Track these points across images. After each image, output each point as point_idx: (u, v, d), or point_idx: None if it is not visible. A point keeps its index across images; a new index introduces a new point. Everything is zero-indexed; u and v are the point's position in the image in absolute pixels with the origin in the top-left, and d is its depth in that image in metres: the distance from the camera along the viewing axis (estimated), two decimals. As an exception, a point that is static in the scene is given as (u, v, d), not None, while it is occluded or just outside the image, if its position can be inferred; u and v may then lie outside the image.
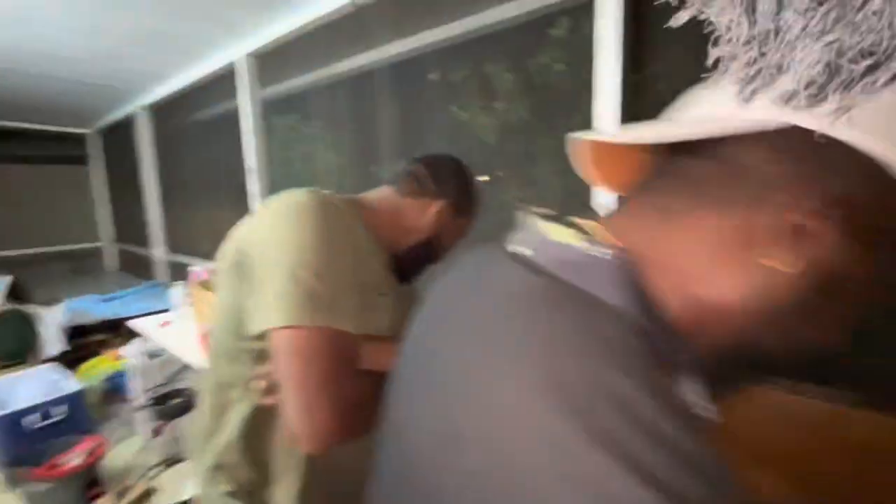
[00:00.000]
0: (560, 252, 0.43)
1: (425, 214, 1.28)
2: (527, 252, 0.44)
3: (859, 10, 0.76)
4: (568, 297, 0.40)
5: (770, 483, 1.04)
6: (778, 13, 0.82)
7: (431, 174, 1.30)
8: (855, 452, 0.93)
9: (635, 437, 0.32)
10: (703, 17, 0.87)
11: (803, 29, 0.81)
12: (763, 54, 0.86)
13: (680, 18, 0.89)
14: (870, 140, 0.39)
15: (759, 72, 0.87)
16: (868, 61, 0.80)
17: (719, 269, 0.41)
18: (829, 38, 0.81)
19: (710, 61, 0.89)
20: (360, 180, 2.65)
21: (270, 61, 3.28)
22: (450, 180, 1.32)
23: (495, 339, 0.40)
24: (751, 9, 0.84)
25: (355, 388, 1.02)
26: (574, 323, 0.39)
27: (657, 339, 0.39)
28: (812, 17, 0.80)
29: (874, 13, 0.76)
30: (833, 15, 0.79)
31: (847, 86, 0.81)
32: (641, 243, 0.43)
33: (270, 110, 3.47)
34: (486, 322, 0.43)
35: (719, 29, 0.86)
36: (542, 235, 0.44)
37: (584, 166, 0.51)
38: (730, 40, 0.86)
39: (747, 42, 0.85)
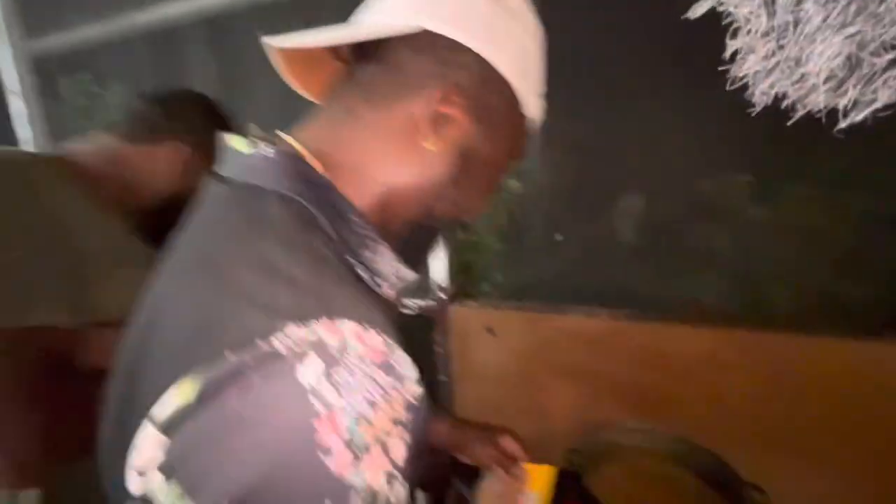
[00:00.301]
0: (239, 160, 0.49)
1: (164, 162, 1.01)
2: (223, 170, 0.50)
3: (882, 1, 0.76)
4: (241, 194, 0.47)
5: (574, 396, 1.22)
6: (798, 4, 0.80)
7: (165, 113, 1.02)
8: (635, 357, 1.13)
9: (267, 282, 0.38)
10: (721, 8, 0.83)
11: (824, 20, 0.80)
12: (781, 47, 0.84)
13: (697, 10, 0.84)
14: (469, 38, 0.48)
15: (777, 64, 0.85)
16: (890, 55, 0.80)
17: (393, 157, 0.49)
18: (851, 30, 0.80)
19: (727, 53, 0.86)
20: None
21: (39, 4, 2.38)
22: (191, 118, 1.03)
23: (182, 253, 0.47)
24: (770, 0, 0.81)
25: (73, 392, 0.79)
26: (241, 212, 0.45)
27: (324, 214, 0.46)
28: (833, 9, 0.79)
29: (897, 5, 0.75)
30: (854, 6, 0.78)
31: (868, 80, 0.82)
32: (329, 144, 0.49)
33: (53, 70, 2.52)
34: (182, 245, 0.48)
35: (738, 20, 0.83)
36: (230, 149, 0.50)
37: (286, 75, 0.55)
38: (748, 32, 0.83)
39: (766, 34, 0.83)
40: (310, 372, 0.33)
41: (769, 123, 0.86)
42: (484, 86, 0.49)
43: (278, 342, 0.33)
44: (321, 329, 0.35)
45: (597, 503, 0.91)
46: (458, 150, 0.50)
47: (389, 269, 0.50)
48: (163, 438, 0.33)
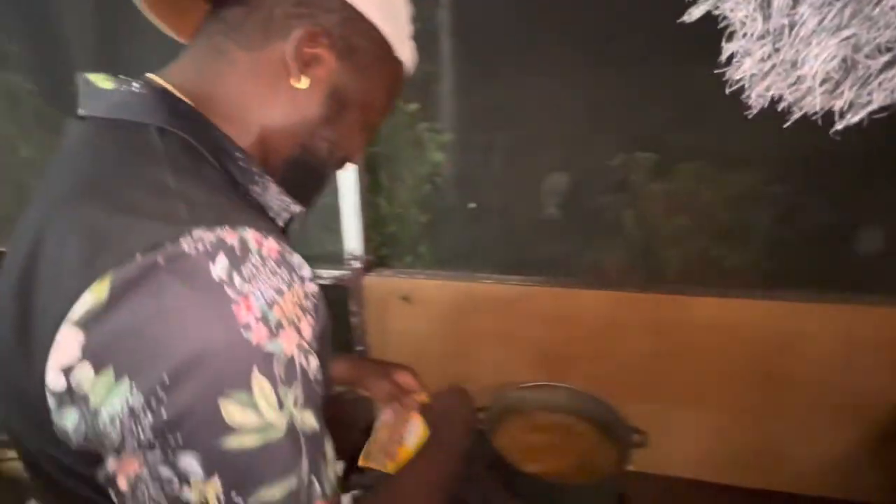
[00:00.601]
0: (103, 97, 0.48)
1: None
2: (82, 111, 0.49)
3: (877, 4, 0.76)
4: (114, 127, 0.46)
5: (489, 359, 1.28)
6: (793, 7, 0.80)
7: None
8: (542, 320, 1.22)
9: (164, 201, 0.39)
10: (716, 11, 0.83)
11: (819, 23, 0.80)
12: (777, 50, 0.85)
13: (693, 14, 0.84)
14: None
15: (773, 67, 0.86)
16: (885, 57, 0.81)
17: (265, 97, 0.50)
18: (846, 32, 0.81)
19: (723, 57, 0.86)
20: (55, 107, 1.75)
21: None
22: None
23: (56, 186, 0.46)
24: (766, 3, 0.81)
25: None
26: (119, 144, 0.45)
27: (206, 149, 0.47)
28: (828, 12, 0.79)
29: (892, 8, 0.76)
30: (850, 10, 0.78)
31: (864, 82, 0.82)
32: (200, 84, 0.50)
33: None
34: (53, 180, 0.48)
35: (733, 24, 0.84)
36: (91, 88, 0.49)
37: (148, 12, 0.55)
38: (744, 35, 0.84)
39: (761, 37, 0.83)
40: (219, 268, 0.36)
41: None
42: (349, 27, 0.50)
43: (186, 244, 0.36)
44: (224, 234, 0.37)
45: (498, 456, 0.99)
46: (328, 89, 0.52)
47: (277, 202, 0.52)
48: (82, 336, 0.35)
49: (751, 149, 0.99)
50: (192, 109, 0.48)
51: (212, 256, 0.36)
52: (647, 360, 1.18)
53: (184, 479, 0.34)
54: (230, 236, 0.38)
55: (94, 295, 0.35)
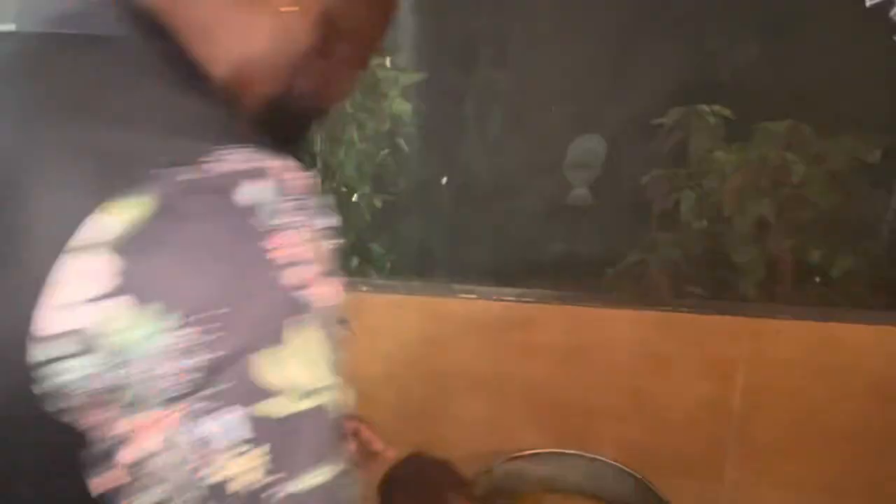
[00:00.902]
0: (45, 7, 0.46)
1: None
2: (17, 25, 0.46)
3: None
4: (71, 42, 0.44)
5: (472, 408, 1.14)
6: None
7: None
8: (549, 354, 1.10)
9: (156, 113, 0.39)
10: None
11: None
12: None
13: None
14: None
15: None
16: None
17: (244, 20, 0.49)
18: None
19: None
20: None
21: None
22: None
23: (14, 111, 0.44)
24: None
25: None
26: (88, 58, 0.43)
27: (179, 71, 0.45)
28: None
29: None
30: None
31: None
32: (170, 4, 0.47)
33: None
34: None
35: None
36: (29, 3, 0.47)
37: None
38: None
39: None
40: (249, 193, 0.35)
41: None
42: None
43: (213, 164, 0.35)
44: (250, 155, 0.37)
45: None
46: (317, 14, 0.49)
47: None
48: (116, 260, 0.32)
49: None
50: (159, 24, 0.45)
51: (242, 179, 0.35)
52: (708, 414, 0.94)
53: (220, 441, 0.32)
54: (253, 160, 0.38)
55: (122, 216, 0.32)
